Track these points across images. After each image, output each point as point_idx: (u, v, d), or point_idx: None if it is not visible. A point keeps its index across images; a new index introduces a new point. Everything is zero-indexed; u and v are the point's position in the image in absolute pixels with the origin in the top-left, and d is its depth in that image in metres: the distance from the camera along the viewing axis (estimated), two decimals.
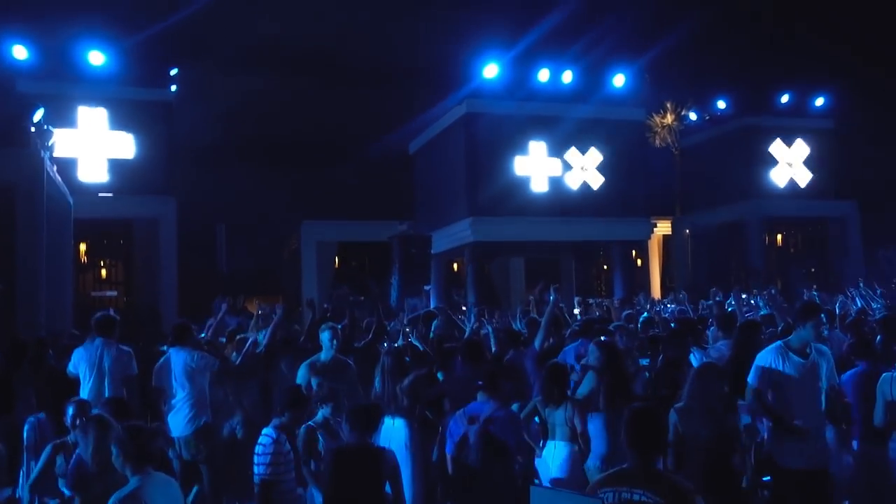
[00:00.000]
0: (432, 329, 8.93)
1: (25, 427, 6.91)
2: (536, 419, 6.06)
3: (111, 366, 7.06)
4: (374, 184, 22.85)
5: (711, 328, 8.10)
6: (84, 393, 7.02)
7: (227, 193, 21.56)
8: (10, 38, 16.62)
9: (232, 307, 15.28)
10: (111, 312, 7.59)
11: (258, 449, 4.91)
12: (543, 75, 20.21)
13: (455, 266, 25.33)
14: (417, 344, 8.10)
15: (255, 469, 4.88)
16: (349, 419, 4.90)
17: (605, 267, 25.57)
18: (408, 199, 24.14)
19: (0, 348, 9.17)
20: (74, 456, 4.91)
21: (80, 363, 7.18)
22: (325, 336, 7.14)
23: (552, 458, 5.69)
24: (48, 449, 5.54)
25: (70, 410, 5.66)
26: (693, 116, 25.57)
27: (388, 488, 4.77)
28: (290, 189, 22.84)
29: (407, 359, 7.61)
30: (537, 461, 5.73)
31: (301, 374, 7.02)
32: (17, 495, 7.62)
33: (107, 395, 6.92)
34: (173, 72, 18.82)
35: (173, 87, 18.94)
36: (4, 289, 9.77)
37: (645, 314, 10.08)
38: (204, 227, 20.57)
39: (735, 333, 6.63)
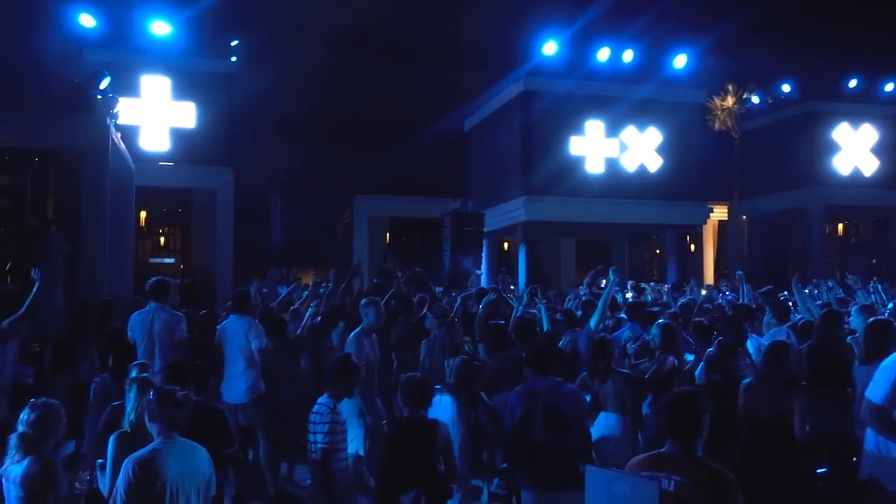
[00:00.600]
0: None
1: (91, 386, 7.15)
2: (588, 397, 6.08)
3: (161, 330, 7.19)
4: (429, 161, 22.82)
5: (766, 316, 7.97)
6: (139, 356, 7.19)
7: (283, 166, 21.79)
8: (77, 7, 16.95)
9: (283, 277, 15.58)
10: (165, 278, 7.74)
11: (314, 418, 4.96)
12: (603, 54, 19.90)
13: (506, 245, 25.27)
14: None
15: (312, 437, 4.93)
16: (403, 392, 4.97)
17: (658, 251, 25.25)
18: (462, 177, 24.11)
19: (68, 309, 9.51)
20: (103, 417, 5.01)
21: (135, 327, 7.35)
22: (369, 311, 7.25)
23: (603, 429, 5.79)
24: (108, 410, 5.72)
25: (131, 373, 5.82)
26: (755, 100, 24.90)
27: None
28: (344, 163, 22.96)
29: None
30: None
31: (351, 343, 7.11)
32: (82, 451, 7.92)
33: (157, 358, 7.08)
34: (234, 43, 19.03)
35: (234, 58, 19.17)
36: (71, 251, 10.04)
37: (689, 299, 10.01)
38: (260, 199, 20.84)
39: (818, 322, 6.42)
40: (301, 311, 9.07)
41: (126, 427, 4.54)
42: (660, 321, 6.50)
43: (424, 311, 8.90)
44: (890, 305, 8.38)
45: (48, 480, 3.97)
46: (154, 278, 7.67)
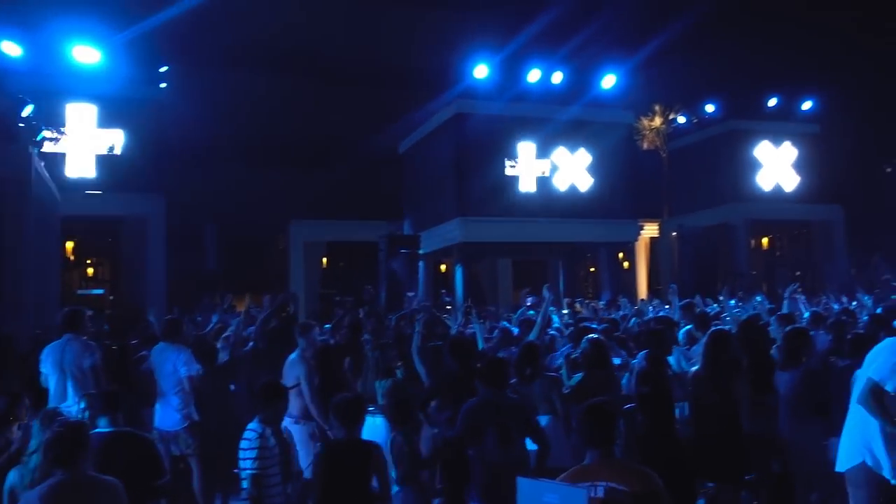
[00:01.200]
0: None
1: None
2: None
3: (72, 361, 6.94)
4: (363, 184, 22.83)
5: (683, 329, 8.23)
6: (50, 390, 6.94)
7: (217, 192, 21.48)
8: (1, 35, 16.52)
9: (217, 304, 15.32)
10: (79, 307, 7.51)
11: (244, 444, 4.93)
12: (533, 76, 20.29)
13: (443, 267, 25.38)
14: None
15: (242, 464, 4.89)
16: (335, 413, 4.96)
17: (593, 269, 25.70)
18: (397, 200, 24.16)
19: None
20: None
21: (46, 360, 7.06)
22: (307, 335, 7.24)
23: None
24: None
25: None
26: (681, 119, 25.74)
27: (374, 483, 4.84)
28: (278, 187, 22.79)
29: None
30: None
31: (287, 370, 7.06)
32: None
33: (69, 390, 6.83)
34: (163, 69, 18.77)
35: (163, 85, 18.89)
36: None
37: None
38: (193, 226, 20.51)
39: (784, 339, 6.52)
40: (233, 337, 8.95)
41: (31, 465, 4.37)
42: (589, 336, 6.64)
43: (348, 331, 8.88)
44: (806, 314, 8.72)
45: None
46: (67, 308, 7.46)
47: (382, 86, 22.77)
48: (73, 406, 6.44)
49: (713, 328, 6.83)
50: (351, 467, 4.74)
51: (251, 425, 5.00)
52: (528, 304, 12.08)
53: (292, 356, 7.18)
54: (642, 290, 24.20)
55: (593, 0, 21.40)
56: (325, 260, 25.04)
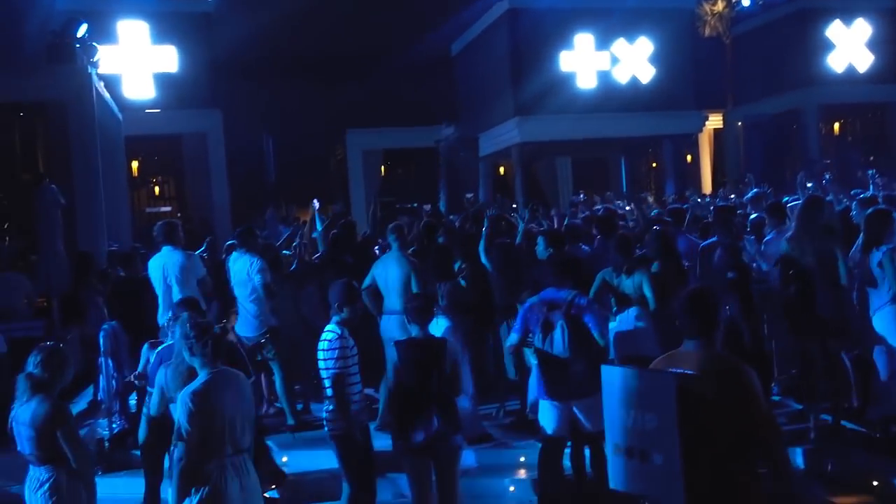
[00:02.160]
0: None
1: (101, 334, 7.22)
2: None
3: (179, 271, 7.22)
4: (417, 89, 22.47)
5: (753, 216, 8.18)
6: (160, 299, 7.24)
7: (272, 105, 21.48)
8: None
9: (282, 216, 15.57)
10: (172, 220, 7.75)
11: (323, 345, 4.99)
12: None
13: (502, 169, 25.13)
14: None
15: (323, 364, 4.97)
16: (409, 313, 5.02)
17: (655, 165, 25.10)
18: (452, 103, 23.78)
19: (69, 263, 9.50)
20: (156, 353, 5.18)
21: (152, 271, 7.38)
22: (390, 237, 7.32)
23: (626, 324, 6.12)
24: (145, 347, 5.87)
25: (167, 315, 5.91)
26: (746, 2, 24.36)
27: None
28: (333, 98, 22.62)
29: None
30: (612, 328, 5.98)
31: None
32: (98, 398, 8.05)
33: (176, 299, 7.11)
34: None
35: None
36: (66, 204, 9.98)
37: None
38: (251, 140, 20.60)
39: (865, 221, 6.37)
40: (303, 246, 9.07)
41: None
42: (653, 228, 6.66)
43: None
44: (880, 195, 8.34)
45: (57, 419, 4.04)
46: (161, 221, 7.68)
47: None
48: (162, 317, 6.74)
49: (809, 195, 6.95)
50: (426, 365, 4.81)
51: (329, 327, 5.06)
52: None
53: (390, 256, 7.24)
54: (707, 185, 23.61)
55: None
56: (383, 168, 25.06)
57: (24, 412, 4.07)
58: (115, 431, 7.09)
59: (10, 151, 12.18)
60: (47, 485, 4.05)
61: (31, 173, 11.98)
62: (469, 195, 16.41)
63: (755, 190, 9.52)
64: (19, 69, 11.53)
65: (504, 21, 19.73)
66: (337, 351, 4.90)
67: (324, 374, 5.00)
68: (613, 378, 3.43)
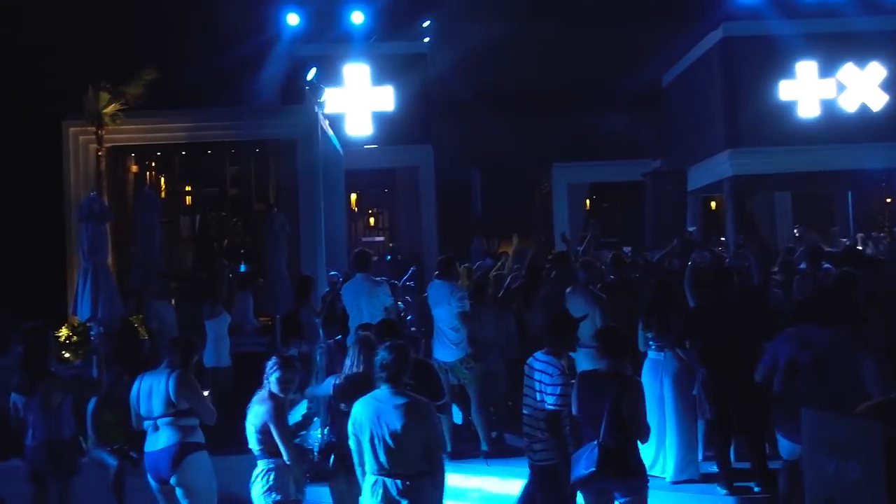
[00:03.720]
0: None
1: (317, 352, 7.83)
2: None
3: (367, 297, 7.69)
4: (625, 122, 22.23)
5: None
6: (352, 323, 7.72)
7: (480, 139, 22.15)
8: (283, 7, 18.24)
9: (486, 249, 15.98)
10: (365, 249, 8.32)
11: (543, 378, 4.99)
12: None
13: (713, 204, 24.09)
14: None
15: (540, 396, 4.98)
16: (600, 342, 4.98)
17: (889, 200, 22.89)
18: (660, 136, 23.25)
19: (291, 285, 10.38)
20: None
21: (346, 297, 7.92)
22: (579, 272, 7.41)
23: None
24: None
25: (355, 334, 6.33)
26: None
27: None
28: (540, 132, 22.93)
29: None
30: None
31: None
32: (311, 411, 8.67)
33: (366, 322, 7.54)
34: (426, 24, 19.62)
35: (426, 39, 19.77)
36: (291, 231, 10.92)
37: None
38: (459, 174, 21.40)
39: None
40: (502, 276, 9.29)
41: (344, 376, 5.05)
42: None
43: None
44: None
45: (274, 417, 4.71)
46: (356, 250, 8.26)
47: (641, 21, 21.83)
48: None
49: None
50: (604, 396, 4.73)
51: (543, 357, 5.07)
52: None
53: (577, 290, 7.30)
54: None
55: None
56: (588, 201, 24.91)
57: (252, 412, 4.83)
58: (324, 444, 7.60)
59: (246, 183, 13.59)
60: (264, 472, 4.83)
61: (263, 203, 13.28)
62: (692, 228, 15.89)
63: None
64: (258, 111, 12.88)
65: (717, 50, 19.02)
66: (560, 388, 4.91)
67: (537, 404, 5.01)
68: (814, 422, 3.23)
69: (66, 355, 9.55)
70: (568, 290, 7.62)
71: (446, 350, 7.68)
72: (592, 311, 6.96)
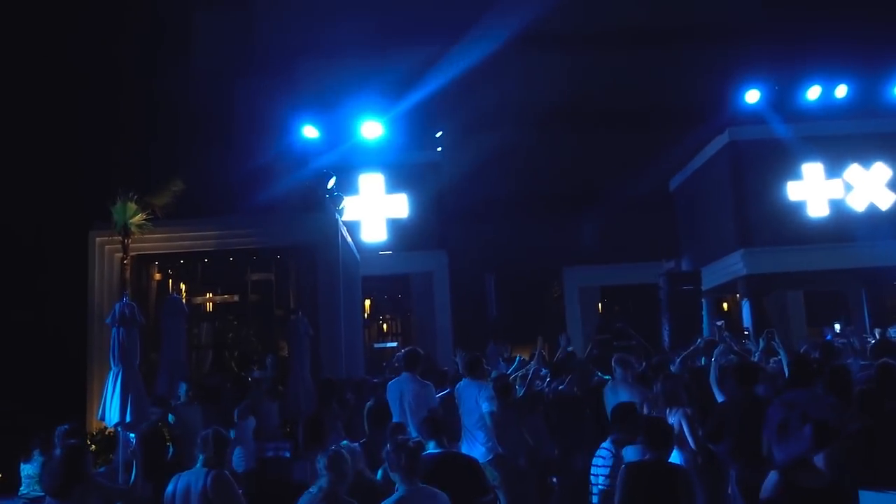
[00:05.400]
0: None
1: None
2: None
3: (412, 399, 7.64)
4: (635, 226, 22.53)
5: None
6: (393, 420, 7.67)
7: (494, 244, 22.43)
8: (301, 121, 18.92)
9: (500, 353, 15.93)
10: (417, 349, 8.26)
11: (597, 461, 5.35)
12: (813, 93, 18.93)
13: (725, 305, 24.10)
14: None
15: (594, 479, 5.30)
16: (646, 435, 4.96)
17: None
18: (671, 239, 23.52)
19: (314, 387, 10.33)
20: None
21: (390, 395, 7.87)
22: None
23: None
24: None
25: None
26: None
27: None
28: (551, 236, 23.24)
29: None
30: None
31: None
32: None
33: (409, 424, 7.50)
34: (438, 134, 20.28)
35: (439, 149, 20.37)
36: (313, 335, 10.97)
37: None
38: (474, 278, 21.57)
39: None
40: (526, 376, 9.27)
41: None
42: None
43: None
44: None
45: None
46: (407, 349, 8.24)
47: (648, 126, 22.48)
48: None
49: None
50: (657, 489, 4.68)
51: (605, 444, 5.38)
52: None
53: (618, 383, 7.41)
54: None
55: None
56: (600, 305, 24.94)
57: None
58: None
59: (267, 288, 13.73)
60: None
61: (282, 308, 13.38)
62: (719, 322, 15.87)
63: None
64: (279, 217, 13.17)
65: (725, 153, 19.56)
66: (609, 469, 5.15)
67: (594, 489, 5.25)
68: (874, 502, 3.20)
69: None
70: (609, 384, 7.69)
71: (475, 451, 7.56)
72: (640, 402, 6.98)
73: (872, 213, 18.90)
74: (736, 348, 9.13)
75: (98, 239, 12.18)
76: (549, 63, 22.88)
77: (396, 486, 4.37)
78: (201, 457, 5.37)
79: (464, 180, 20.92)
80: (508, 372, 10.18)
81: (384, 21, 21.72)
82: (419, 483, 4.32)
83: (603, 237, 22.80)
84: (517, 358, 11.21)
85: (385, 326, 23.85)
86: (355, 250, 15.88)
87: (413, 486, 4.29)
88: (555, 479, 8.45)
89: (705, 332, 17.58)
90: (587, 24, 22.97)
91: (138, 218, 11.48)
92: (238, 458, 8.40)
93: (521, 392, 8.66)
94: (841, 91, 18.99)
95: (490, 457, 7.59)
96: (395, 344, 22.86)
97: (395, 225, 20.09)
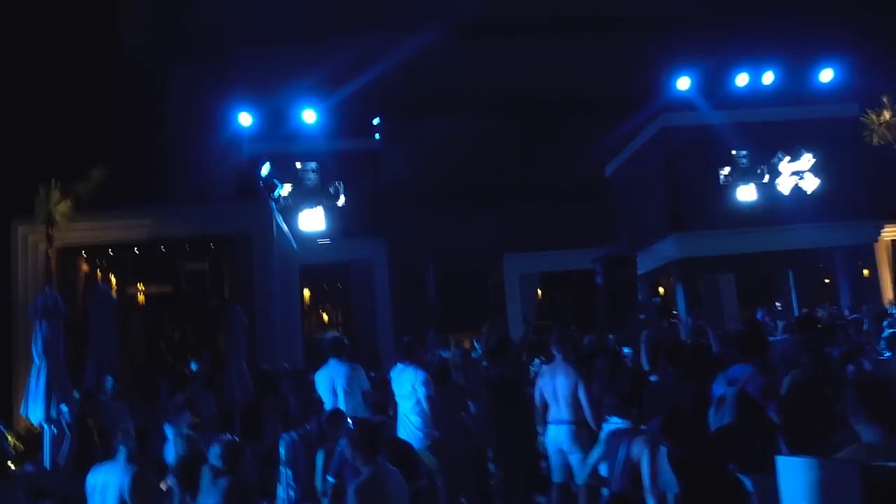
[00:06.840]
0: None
1: (280, 444, 7.61)
2: None
3: (346, 382, 7.57)
4: (572, 212, 22.79)
5: None
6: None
7: (433, 232, 22.44)
8: (236, 108, 18.55)
9: (440, 341, 15.95)
10: (339, 335, 8.19)
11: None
12: (741, 80, 19.40)
13: (661, 289, 24.59)
14: None
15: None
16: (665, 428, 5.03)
17: (828, 280, 23.69)
18: (607, 224, 23.88)
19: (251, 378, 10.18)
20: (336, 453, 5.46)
21: (319, 383, 7.78)
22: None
23: None
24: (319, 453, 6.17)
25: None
26: None
27: None
28: (490, 224, 23.36)
29: None
30: None
31: None
32: None
33: (343, 409, 7.42)
34: (375, 121, 20.11)
35: (377, 136, 20.23)
36: (248, 324, 10.79)
37: None
38: (413, 266, 21.52)
39: None
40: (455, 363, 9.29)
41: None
42: None
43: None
44: None
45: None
46: (330, 335, 8.14)
47: (582, 113, 22.76)
48: None
49: None
50: None
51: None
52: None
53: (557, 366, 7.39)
54: (888, 298, 21.93)
55: None
56: (539, 291, 25.16)
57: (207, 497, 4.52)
58: None
59: (201, 278, 13.46)
60: None
61: (217, 298, 13.14)
62: (656, 300, 16.20)
63: None
64: (212, 206, 12.92)
65: (657, 140, 19.90)
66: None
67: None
68: (791, 468, 3.28)
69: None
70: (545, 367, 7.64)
71: (412, 437, 7.54)
72: (575, 386, 6.98)
73: (798, 197, 19.49)
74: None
75: (21, 229, 11.75)
76: (486, 51, 22.95)
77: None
78: (123, 450, 5.21)
79: (402, 168, 20.85)
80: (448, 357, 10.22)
81: (321, 7, 21.47)
82: (382, 462, 4.35)
83: (541, 224, 22.99)
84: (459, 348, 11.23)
85: (325, 316, 23.65)
86: (292, 239, 15.67)
87: (377, 465, 4.32)
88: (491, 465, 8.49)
89: (640, 315, 17.96)
90: (522, 12, 23.11)
91: (63, 206, 11.11)
92: (170, 451, 8.20)
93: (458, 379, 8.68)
94: (768, 78, 19.49)
95: (427, 442, 7.58)
96: (336, 334, 22.67)
97: (333, 213, 19.87)
